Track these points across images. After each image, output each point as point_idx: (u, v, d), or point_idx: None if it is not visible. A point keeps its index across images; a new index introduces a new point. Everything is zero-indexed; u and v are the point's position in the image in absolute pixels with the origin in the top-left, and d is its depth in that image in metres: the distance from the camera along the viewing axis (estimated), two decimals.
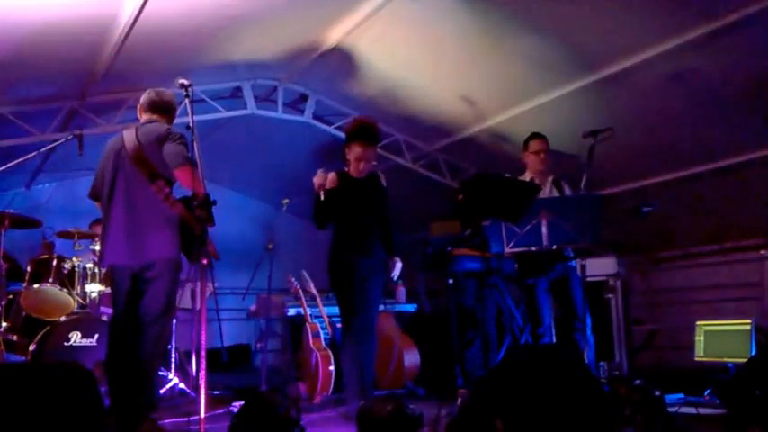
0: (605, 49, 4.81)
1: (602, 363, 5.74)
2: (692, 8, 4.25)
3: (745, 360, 4.50)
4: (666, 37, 4.50)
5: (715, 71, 4.69)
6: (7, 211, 5.48)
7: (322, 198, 4.53)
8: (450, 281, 5.46)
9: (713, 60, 4.58)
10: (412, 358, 6.10)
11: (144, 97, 4.19)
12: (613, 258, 6.31)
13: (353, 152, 4.68)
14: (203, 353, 3.62)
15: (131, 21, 4.47)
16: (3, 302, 5.44)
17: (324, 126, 6.70)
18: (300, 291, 5.98)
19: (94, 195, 4.14)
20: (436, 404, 4.09)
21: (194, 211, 3.70)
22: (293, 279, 6.04)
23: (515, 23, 4.76)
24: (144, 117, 4.15)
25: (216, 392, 5.66)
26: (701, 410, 4.07)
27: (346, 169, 4.76)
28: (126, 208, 3.90)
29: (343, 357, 4.67)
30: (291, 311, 6.28)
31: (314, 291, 6.06)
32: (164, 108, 4.16)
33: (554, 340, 5.02)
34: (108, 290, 5.64)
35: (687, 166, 5.70)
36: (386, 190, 4.87)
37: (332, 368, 5.47)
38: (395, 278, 5.04)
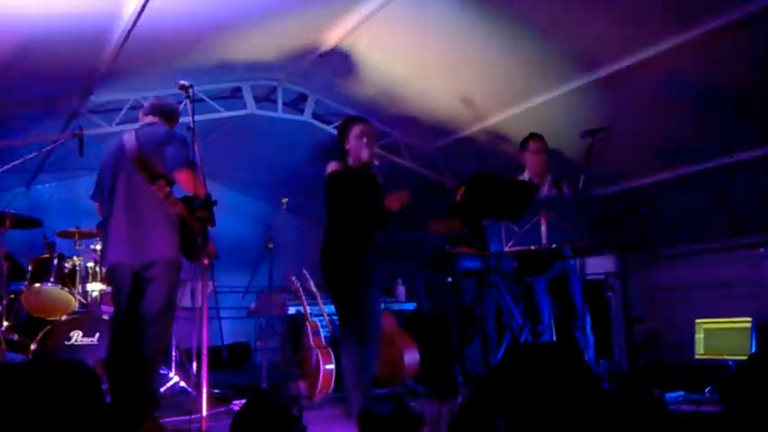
0: (602, 50, 4.82)
1: (601, 361, 5.76)
2: (687, 9, 4.27)
3: (746, 357, 4.52)
4: (663, 37, 4.51)
5: (711, 70, 4.69)
6: (8, 211, 5.48)
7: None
8: (450, 279, 5.47)
9: (709, 60, 4.59)
10: (411, 357, 6.10)
11: (146, 102, 4.26)
12: (612, 256, 6.32)
13: (357, 134, 4.64)
14: (204, 351, 3.64)
15: (132, 21, 4.48)
16: (4, 302, 5.44)
17: (323, 126, 6.71)
18: (300, 289, 5.98)
19: (97, 197, 4.17)
20: (436, 402, 4.10)
21: (195, 211, 3.73)
22: (293, 277, 6.05)
23: (513, 24, 4.77)
24: (145, 120, 4.19)
25: (216, 391, 5.67)
26: (702, 408, 4.08)
27: (350, 162, 4.67)
28: (127, 208, 3.92)
29: (343, 355, 4.67)
30: (291, 310, 6.28)
31: (314, 289, 6.06)
32: (164, 112, 4.21)
33: (554, 338, 5.03)
34: (109, 289, 5.66)
35: (685, 165, 5.71)
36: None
37: (332, 366, 5.48)
38: None
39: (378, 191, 4.70)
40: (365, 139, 4.63)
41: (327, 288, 4.74)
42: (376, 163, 4.67)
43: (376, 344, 4.61)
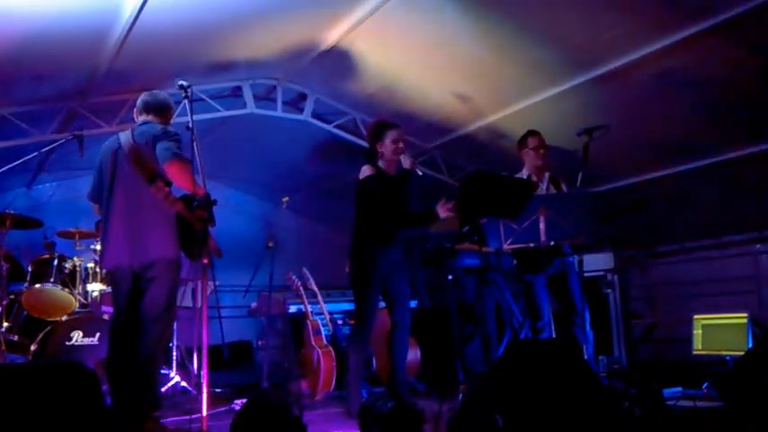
0: (599, 49, 4.82)
1: (601, 357, 5.78)
2: (681, 9, 4.28)
3: (743, 353, 4.55)
4: (658, 36, 4.52)
5: (707, 68, 4.70)
6: (8, 211, 5.49)
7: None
8: (450, 277, 5.48)
9: (706, 57, 4.60)
10: (412, 354, 6.11)
11: (139, 100, 4.23)
12: (611, 253, 6.34)
13: (394, 139, 4.69)
14: (205, 350, 3.65)
15: (131, 21, 4.49)
16: (4, 302, 5.45)
17: (323, 125, 6.71)
18: (301, 288, 6.00)
19: (93, 197, 4.17)
20: (437, 400, 4.12)
21: (195, 210, 3.74)
22: (294, 276, 6.06)
23: (512, 23, 4.78)
24: (140, 119, 4.18)
25: (217, 390, 5.69)
26: (699, 403, 4.09)
27: (382, 166, 4.72)
28: (125, 209, 3.92)
29: (352, 354, 4.67)
30: (292, 308, 6.30)
31: (315, 288, 6.08)
32: (158, 108, 4.18)
33: (553, 335, 5.05)
34: (109, 289, 5.67)
35: (682, 162, 5.73)
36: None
37: (333, 365, 5.50)
38: None
39: (407, 195, 4.76)
40: (401, 145, 4.72)
41: (352, 288, 4.74)
42: (420, 173, 4.72)
43: (407, 335, 4.67)
